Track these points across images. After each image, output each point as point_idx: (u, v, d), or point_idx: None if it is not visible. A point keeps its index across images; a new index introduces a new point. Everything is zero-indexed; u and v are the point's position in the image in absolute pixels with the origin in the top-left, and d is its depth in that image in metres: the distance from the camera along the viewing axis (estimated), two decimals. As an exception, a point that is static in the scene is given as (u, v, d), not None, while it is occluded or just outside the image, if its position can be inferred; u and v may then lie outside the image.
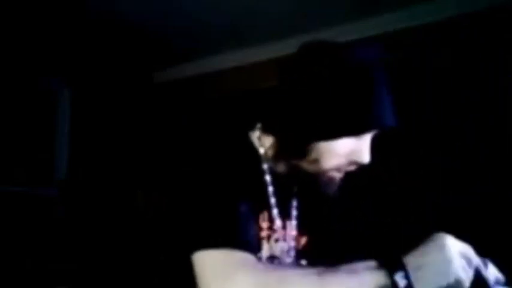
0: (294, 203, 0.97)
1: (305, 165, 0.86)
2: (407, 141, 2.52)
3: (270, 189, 0.90)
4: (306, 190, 0.97)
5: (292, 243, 0.92)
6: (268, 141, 0.91)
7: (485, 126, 2.39)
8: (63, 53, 3.06)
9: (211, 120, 3.22)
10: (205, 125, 3.22)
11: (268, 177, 0.91)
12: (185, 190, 0.81)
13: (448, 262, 0.69)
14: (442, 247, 0.71)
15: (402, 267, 0.70)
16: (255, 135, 0.94)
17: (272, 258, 0.88)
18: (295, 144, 0.85)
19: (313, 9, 2.64)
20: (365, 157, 0.84)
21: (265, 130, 0.92)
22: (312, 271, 0.71)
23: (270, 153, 0.91)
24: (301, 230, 0.96)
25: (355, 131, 0.82)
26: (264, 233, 0.87)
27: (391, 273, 0.70)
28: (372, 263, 0.72)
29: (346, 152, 0.84)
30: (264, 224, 0.88)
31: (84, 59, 3.18)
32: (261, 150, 0.92)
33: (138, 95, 3.54)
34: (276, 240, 0.89)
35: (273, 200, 0.90)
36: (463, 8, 2.49)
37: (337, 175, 0.88)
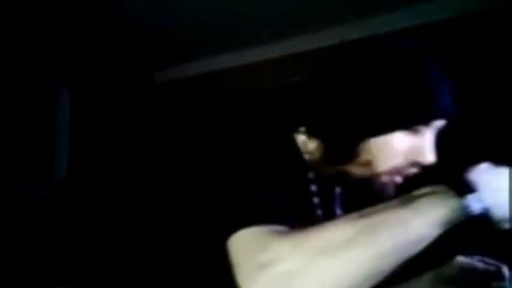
0: (339, 214, 0.88)
1: (355, 169, 0.76)
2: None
3: (316, 200, 0.81)
4: (354, 201, 0.86)
5: None
6: (313, 145, 0.81)
7: (486, 126, 2.39)
8: (63, 52, 3.06)
9: (214, 120, 3.22)
10: (208, 125, 3.21)
11: (314, 188, 0.81)
12: (221, 186, 0.73)
13: None
14: None
15: (474, 189, 0.56)
16: (301, 138, 0.83)
17: None
18: (344, 144, 0.75)
19: (313, 9, 2.63)
20: (428, 156, 0.73)
21: (310, 133, 0.81)
22: (353, 216, 0.59)
23: (315, 158, 0.80)
24: None
25: (412, 121, 0.72)
26: None
27: (461, 196, 0.56)
28: (432, 188, 0.59)
29: (403, 150, 0.74)
30: None
31: (84, 59, 3.17)
32: (307, 157, 0.81)
33: (139, 94, 3.54)
34: None
35: (319, 212, 0.81)
36: (464, 8, 2.49)
37: (395, 179, 0.77)
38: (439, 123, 0.76)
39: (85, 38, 3.01)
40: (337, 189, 0.89)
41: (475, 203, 0.55)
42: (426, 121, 0.73)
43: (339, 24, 2.79)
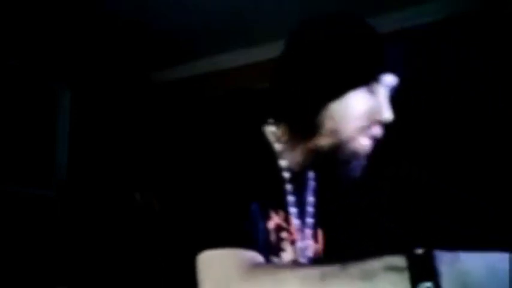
0: (311, 199, 0.92)
1: (323, 142, 0.79)
2: (408, 139, 2.53)
3: (288, 187, 0.84)
4: (325, 182, 0.92)
5: (309, 242, 0.88)
6: (281, 131, 0.85)
7: (485, 127, 2.40)
8: (63, 52, 3.06)
9: (213, 120, 3.22)
10: (206, 125, 3.21)
11: (286, 175, 0.84)
12: (193, 189, 0.74)
13: None
14: None
15: (432, 276, 0.51)
16: (269, 130, 0.86)
17: (293, 260, 0.83)
18: (307, 115, 0.79)
19: (313, 9, 2.64)
20: (387, 113, 0.79)
21: (276, 120, 0.85)
22: (315, 273, 0.59)
23: (285, 143, 0.84)
24: (318, 227, 0.92)
25: (364, 78, 0.78)
26: (284, 234, 0.82)
27: (414, 282, 0.52)
28: (394, 262, 0.55)
29: (363, 112, 0.79)
30: (284, 224, 0.82)
31: (84, 59, 3.18)
32: (277, 146, 0.85)
33: (138, 95, 3.54)
34: (294, 241, 0.84)
35: (291, 199, 0.84)
36: (463, 7, 2.50)
37: (363, 144, 0.80)
38: (391, 80, 0.81)
39: (84, 38, 3.02)
40: (310, 174, 0.93)
41: None
42: (375, 74, 0.78)
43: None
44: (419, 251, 0.54)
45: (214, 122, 0.85)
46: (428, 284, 0.51)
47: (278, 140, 0.85)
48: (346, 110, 0.78)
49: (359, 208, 1.05)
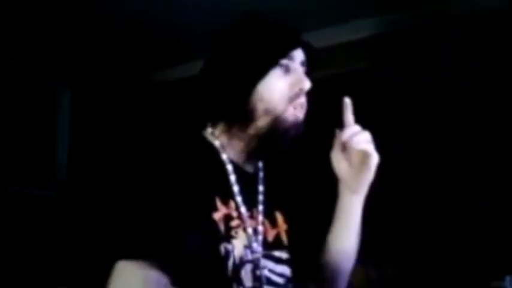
0: (260, 188, 0.98)
1: (261, 123, 0.90)
2: (399, 138, 2.53)
3: (232, 178, 0.92)
4: (272, 168, 1.00)
5: (260, 229, 0.93)
6: (219, 129, 0.95)
7: (482, 128, 2.40)
8: (63, 52, 3.06)
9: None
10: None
11: (229, 167, 0.93)
12: (132, 194, 0.86)
13: None
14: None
15: None
16: (208, 132, 0.97)
17: (246, 248, 0.89)
18: (239, 104, 0.89)
19: (312, 9, 2.64)
20: (305, 83, 0.90)
21: (213, 121, 0.96)
22: None
23: (226, 139, 0.94)
24: (275, 212, 0.98)
25: (277, 56, 0.89)
26: (234, 223, 0.88)
27: None
28: None
29: (287, 86, 0.90)
30: (234, 213, 0.89)
31: (84, 59, 3.18)
32: (217, 143, 0.94)
33: (138, 95, 3.54)
34: (245, 228, 0.91)
35: (236, 189, 0.92)
36: (461, 7, 2.50)
37: (295, 112, 0.91)
38: (301, 56, 0.93)
39: (84, 38, 3.02)
40: (260, 165, 1.01)
41: None
42: (286, 52, 0.90)
43: (338, 24, 2.80)
44: None
45: (155, 140, 0.97)
46: None
47: (217, 137, 0.95)
48: (271, 89, 0.89)
49: (307, 184, 1.09)
